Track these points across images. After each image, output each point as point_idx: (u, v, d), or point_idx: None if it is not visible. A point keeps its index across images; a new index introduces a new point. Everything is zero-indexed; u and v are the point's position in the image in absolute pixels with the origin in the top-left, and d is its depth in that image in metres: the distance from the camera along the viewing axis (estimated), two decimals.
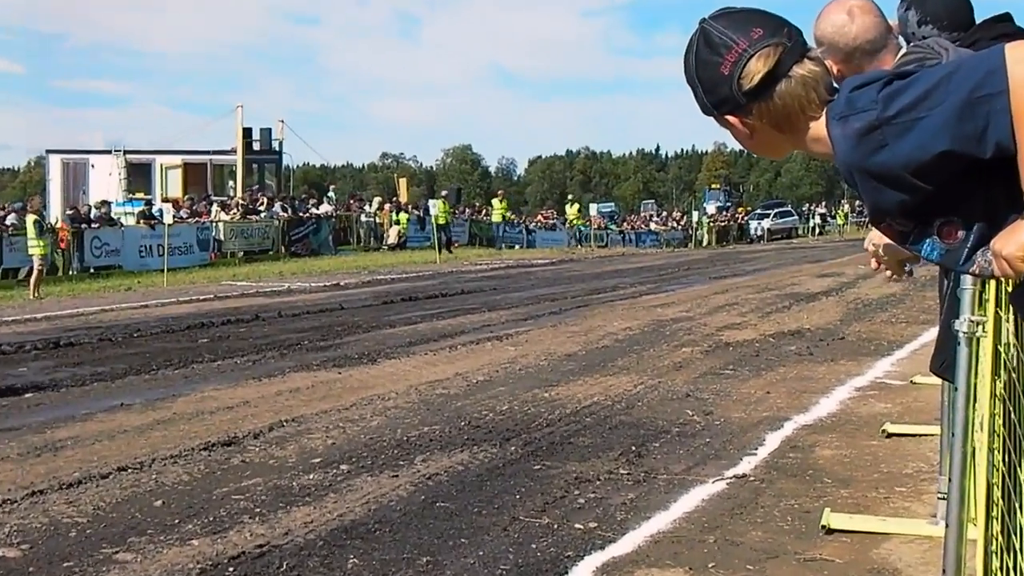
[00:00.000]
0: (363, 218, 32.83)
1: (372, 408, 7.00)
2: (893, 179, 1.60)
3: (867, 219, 1.86)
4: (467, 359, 9.20)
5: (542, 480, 5.15)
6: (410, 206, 35.05)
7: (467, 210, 39.20)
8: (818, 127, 1.70)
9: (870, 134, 1.59)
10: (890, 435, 5.99)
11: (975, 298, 2.76)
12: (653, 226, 51.64)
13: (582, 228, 44.32)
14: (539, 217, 46.46)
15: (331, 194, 36.30)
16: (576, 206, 44.91)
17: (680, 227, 52.43)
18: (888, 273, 2.75)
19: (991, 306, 2.77)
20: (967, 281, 2.70)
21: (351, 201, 35.65)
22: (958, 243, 1.65)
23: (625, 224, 52.25)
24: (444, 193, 36.72)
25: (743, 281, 18.86)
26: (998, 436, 2.67)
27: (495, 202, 39.40)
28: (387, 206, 34.12)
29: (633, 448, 5.77)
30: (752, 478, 5.18)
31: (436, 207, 31.26)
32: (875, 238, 2.72)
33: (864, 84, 1.63)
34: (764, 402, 7.09)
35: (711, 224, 52.81)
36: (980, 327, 2.77)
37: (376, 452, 5.76)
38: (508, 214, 39.40)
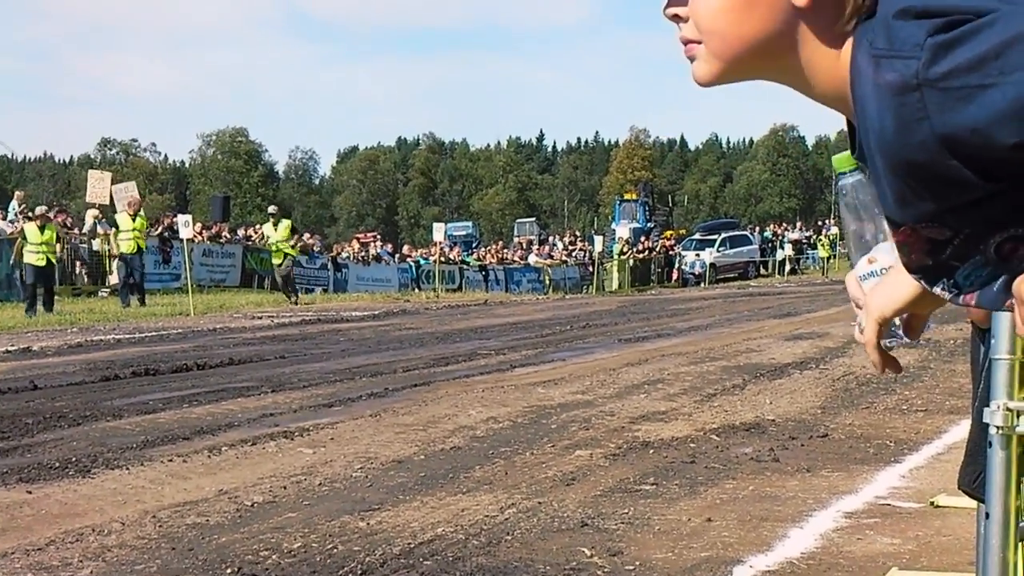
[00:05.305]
0: (79, 243, 32.17)
1: (82, 548, 6.82)
2: (933, 170, 1.50)
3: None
4: (237, 468, 9.11)
5: None
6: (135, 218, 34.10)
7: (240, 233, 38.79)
8: (837, 48, 1.60)
9: (904, 95, 1.48)
10: None
11: (1015, 371, 2.76)
12: (533, 259, 52.15)
13: (421, 262, 44.33)
14: (355, 243, 46.42)
15: (14, 204, 35.28)
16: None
17: (575, 260, 52.98)
18: (874, 357, 1.97)
19: None
20: (1003, 346, 2.67)
21: (57, 217, 34.86)
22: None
23: (489, 255, 52.56)
24: (272, 210, 35.23)
25: (672, 345, 19.13)
26: None
27: (267, 228, 34.61)
28: (109, 225, 33.49)
29: None
30: None
31: (274, 231, 30.96)
32: (857, 292, 2.03)
33: (913, 9, 1.49)
34: (703, 535, 7.18)
35: (623, 256, 53.53)
36: (1022, 418, 2.79)
37: None
38: (294, 243, 34.09)
